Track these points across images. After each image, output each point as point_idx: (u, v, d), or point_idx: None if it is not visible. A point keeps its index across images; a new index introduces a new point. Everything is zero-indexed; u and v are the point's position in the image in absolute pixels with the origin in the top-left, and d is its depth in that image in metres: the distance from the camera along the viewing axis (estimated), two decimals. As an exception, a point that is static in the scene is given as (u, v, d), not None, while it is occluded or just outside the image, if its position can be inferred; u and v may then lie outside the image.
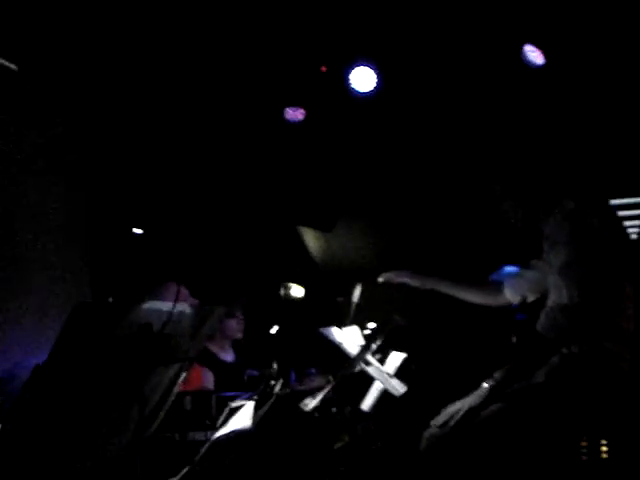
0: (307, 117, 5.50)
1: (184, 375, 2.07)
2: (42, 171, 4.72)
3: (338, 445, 3.44)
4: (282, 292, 6.12)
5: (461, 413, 2.77)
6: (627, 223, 5.20)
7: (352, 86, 5.28)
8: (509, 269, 3.37)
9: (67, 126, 4.94)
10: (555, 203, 2.92)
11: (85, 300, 4.87)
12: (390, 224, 6.19)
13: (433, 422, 2.85)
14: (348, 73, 5.27)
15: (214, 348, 4.66)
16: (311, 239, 6.80)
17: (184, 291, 4.17)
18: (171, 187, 5.68)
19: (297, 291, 6.24)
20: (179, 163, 5.62)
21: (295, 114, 5.49)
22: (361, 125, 5.59)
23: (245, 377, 4.49)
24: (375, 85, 5.26)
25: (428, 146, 5.59)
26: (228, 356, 4.74)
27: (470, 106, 5.22)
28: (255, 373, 4.46)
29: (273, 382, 3.07)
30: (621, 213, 5.18)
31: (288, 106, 5.46)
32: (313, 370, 4.34)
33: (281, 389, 3.01)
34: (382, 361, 3.80)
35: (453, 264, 5.29)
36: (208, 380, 4.16)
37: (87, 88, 4.87)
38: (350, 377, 3.61)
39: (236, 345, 4.83)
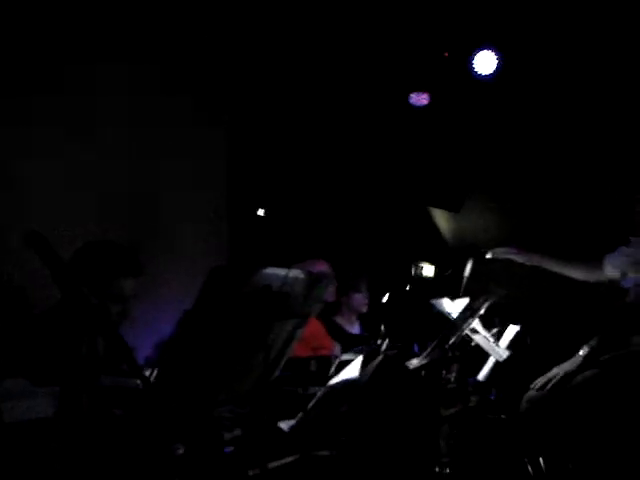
0: (432, 101, 5.71)
1: (300, 331, 2.44)
2: (184, 141, 4.99)
3: (450, 412, 3.68)
4: (414, 271, 6.41)
5: (558, 378, 2.97)
6: None
7: (475, 69, 5.45)
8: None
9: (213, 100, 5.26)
10: None
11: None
12: (517, 205, 6.29)
13: (532, 386, 3.08)
14: (470, 57, 5.45)
15: (341, 321, 5.00)
16: (441, 219, 6.99)
17: (327, 267, 4.56)
18: (308, 169, 6.03)
19: (428, 270, 6.50)
20: (314, 149, 5.96)
21: (419, 99, 5.70)
22: (485, 107, 5.74)
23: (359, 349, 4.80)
24: (496, 68, 5.41)
25: (552, 126, 5.66)
26: (354, 329, 5.07)
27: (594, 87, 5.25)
28: (368, 347, 4.76)
29: (380, 341, 3.37)
30: None
31: (413, 91, 5.69)
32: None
33: (388, 348, 3.29)
34: (499, 333, 4.02)
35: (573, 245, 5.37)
36: (335, 349, 4.52)
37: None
38: (468, 348, 3.85)
39: (362, 318, 5.15)
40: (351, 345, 4.67)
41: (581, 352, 2.98)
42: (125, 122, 4.51)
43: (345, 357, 2.98)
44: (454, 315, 3.57)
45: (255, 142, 5.66)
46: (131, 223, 4.42)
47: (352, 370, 2.72)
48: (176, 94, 4.86)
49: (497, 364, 3.94)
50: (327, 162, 6.06)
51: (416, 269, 6.37)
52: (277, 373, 2.51)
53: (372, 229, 6.49)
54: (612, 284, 3.44)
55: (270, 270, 2.24)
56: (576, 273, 3.52)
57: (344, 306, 5.01)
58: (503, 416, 4.04)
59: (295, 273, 2.30)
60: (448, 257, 6.57)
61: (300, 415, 2.70)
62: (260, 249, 5.64)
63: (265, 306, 2.22)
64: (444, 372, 3.54)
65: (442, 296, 3.87)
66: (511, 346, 3.95)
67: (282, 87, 5.49)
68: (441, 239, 6.97)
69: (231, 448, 2.66)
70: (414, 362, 3.14)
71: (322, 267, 4.55)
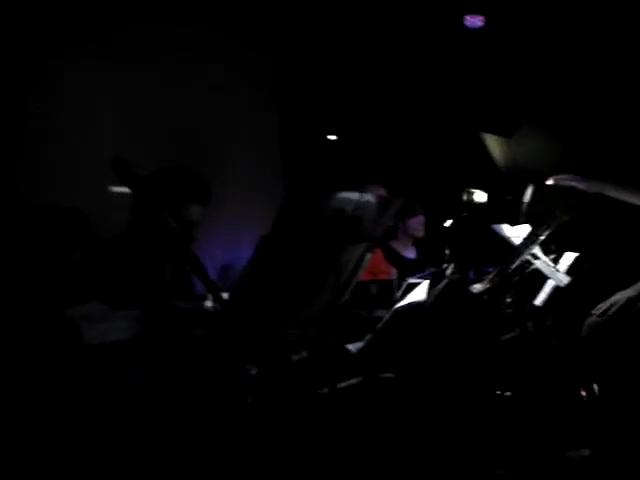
0: (486, 24, 5.60)
1: (369, 255, 2.49)
2: (235, 88, 5.14)
3: (507, 336, 3.73)
4: (465, 197, 6.39)
5: (620, 303, 3.00)
6: None
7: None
8: None
9: (258, 36, 5.32)
10: None
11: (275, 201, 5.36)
12: (572, 129, 6.20)
13: (594, 311, 3.10)
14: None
15: (397, 246, 5.05)
16: (494, 145, 6.92)
17: (385, 192, 4.58)
18: (359, 96, 6.02)
19: (480, 196, 6.47)
20: (364, 74, 5.93)
21: (474, 21, 5.60)
22: (540, 31, 5.61)
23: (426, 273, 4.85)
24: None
25: (606, 53, 5.52)
26: (410, 253, 5.11)
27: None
28: (435, 270, 4.81)
29: (445, 265, 3.41)
30: None
31: (467, 14, 5.59)
32: (491, 269, 4.62)
33: (453, 273, 3.34)
34: (557, 259, 4.02)
35: (627, 169, 5.30)
36: (392, 273, 4.57)
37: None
38: (525, 273, 3.87)
39: (418, 243, 5.19)
40: (407, 270, 4.73)
41: (644, 278, 3.00)
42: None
43: (412, 280, 3.03)
44: (515, 240, 3.58)
45: (305, 69, 5.67)
46: (180, 148, 4.49)
47: (419, 294, 2.77)
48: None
49: (554, 290, 3.96)
50: (378, 86, 6.03)
51: (468, 195, 6.35)
52: (346, 295, 2.58)
53: (425, 155, 6.48)
54: None
55: (344, 194, 2.28)
56: (638, 200, 3.50)
57: (400, 231, 5.04)
58: (556, 341, 4.09)
59: (367, 197, 2.34)
60: (500, 183, 6.55)
61: (368, 337, 2.77)
62: (313, 175, 5.69)
63: (339, 229, 2.27)
64: (504, 297, 3.58)
65: (501, 222, 3.88)
66: (569, 272, 3.96)
67: (332, 11, 5.44)
68: (493, 165, 6.93)
69: (299, 369, 2.75)
70: (477, 287, 3.19)
71: (380, 192, 4.57)
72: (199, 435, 2.39)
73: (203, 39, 4.79)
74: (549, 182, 3.70)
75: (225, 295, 2.23)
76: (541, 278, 3.97)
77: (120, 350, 2.29)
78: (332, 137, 6.12)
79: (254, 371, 2.58)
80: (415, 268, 4.85)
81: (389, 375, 2.88)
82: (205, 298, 2.63)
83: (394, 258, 4.87)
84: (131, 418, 2.29)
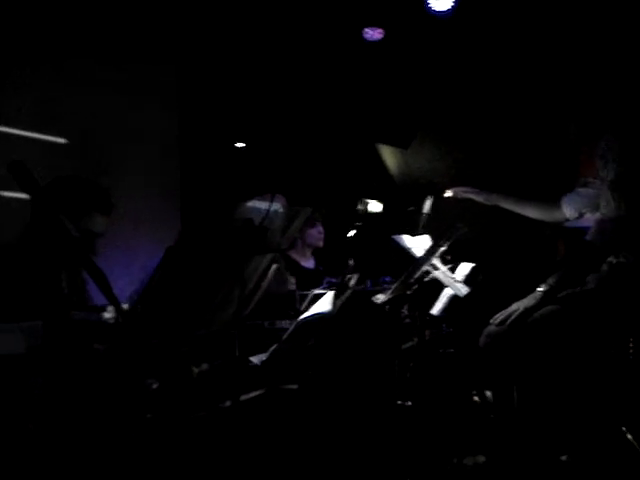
0: (385, 36, 5.67)
1: (276, 266, 2.46)
2: (137, 92, 5.09)
3: (406, 346, 3.77)
4: (360, 207, 6.44)
5: (517, 313, 3.07)
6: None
7: (430, 5, 5.41)
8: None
9: (161, 47, 5.26)
10: (608, 124, 3.13)
11: (175, 211, 5.33)
12: (466, 141, 6.36)
13: (492, 320, 3.16)
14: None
15: (296, 256, 5.04)
16: (389, 156, 7.03)
17: (285, 202, 4.56)
18: (256, 105, 5.99)
19: (375, 206, 6.54)
20: (264, 84, 5.91)
21: (373, 33, 5.67)
22: (439, 43, 5.73)
23: (325, 283, 4.85)
24: (452, 4, 5.38)
25: (504, 64, 5.70)
26: (309, 263, 5.12)
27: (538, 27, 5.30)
28: (334, 280, 4.82)
29: (349, 276, 3.42)
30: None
31: (367, 26, 5.65)
32: (388, 279, 4.67)
33: (356, 284, 3.35)
34: (452, 270, 4.10)
35: (525, 182, 5.48)
36: (292, 284, 4.55)
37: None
38: (422, 283, 3.93)
39: (316, 253, 5.20)
40: (306, 280, 4.73)
41: (540, 288, 3.07)
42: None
43: (317, 291, 3.02)
44: (415, 251, 3.63)
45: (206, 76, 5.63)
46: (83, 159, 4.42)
47: (324, 304, 2.76)
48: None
49: (450, 299, 4.04)
50: (275, 96, 6.03)
51: (363, 205, 6.41)
52: (251, 307, 2.54)
53: (322, 165, 6.51)
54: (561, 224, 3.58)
55: (253, 203, 2.25)
56: (533, 213, 3.61)
57: (299, 241, 5.03)
58: (452, 350, 4.17)
59: (276, 206, 2.31)
60: (395, 194, 6.65)
61: (272, 349, 2.74)
62: (212, 184, 5.63)
63: (246, 240, 2.23)
64: (403, 307, 3.62)
65: (398, 232, 3.92)
66: (466, 282, 4.05)
67: (234, 24, 5.41)
68: (388, 175, 7.03)
69: (201, 382, 2.70)
70: (380, 297, 3.21)
71: (281, 201, 4.54)
72: (98, 450, 2.30)
73: (106, 46, 4.70)
74: (447, 194, 3.77)
75: (126, 306, 2.16)
76: (438, 288, 4.04)
77: (15, 363, 2.18)
78: (239, 145, 6.07)
79: (155, 385, 2.50)
80: (314, 278, 4.87)
81: (293, 386, 2.86)
82: (104, 309, 2.55)
83: (294, 268, 4.85)
84: (28, 432, 2.18)
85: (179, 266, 2.13)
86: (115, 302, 2.03)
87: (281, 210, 2.35)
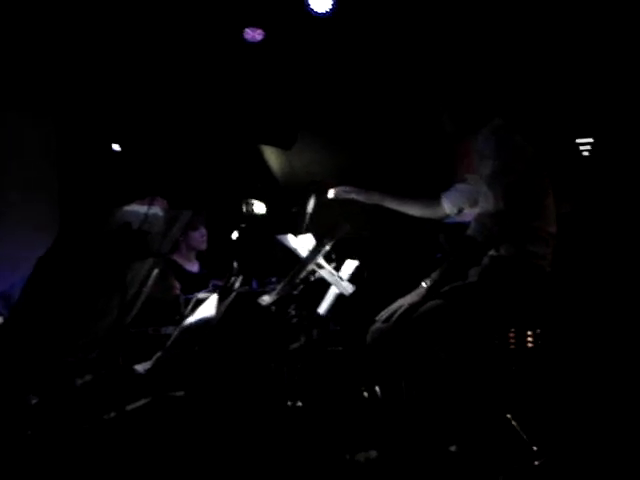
0: (266, 37, 5.65)
1: (157, 271, 2.39)
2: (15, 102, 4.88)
3: (294, 346, 3.76)
4: (244, 208, 6.40)
5: (402, 309, 3.10)
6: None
7: (310, 6, 5.43)
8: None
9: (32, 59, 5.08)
10: (485, 120, 3.22)
11: (55, 216, 5.15)
12: (348, 141, 6.42)
13: (378, 318, 3.19)
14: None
15: (180, 260, 4.95)
16: (272, 157, 7.01)
17: (165, 205, 4.46)
18: (137, 108, 5.87)
19: (259, 207, 6.52)
20: (143, 85, 5.79)
21: (254, 34, 5.64)
22: (319, 44, 5.76)
23: (210, 286, 4.79)
24: (332, 5, 5.42)
25: (384, 65, 5.79)
26: (193, 267, 5.04)
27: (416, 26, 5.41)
28: (220, 283, 4.76)
29: (234, 279, 3.38)
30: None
31: (247, 27, 5.61)
32: (274, 279, 4.65)
33: (241, 286, 3.31)
34: (337, 268, 4.11)
35: (406, 180, 5.59)
36: (177, 288, 4.47)
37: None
38: (308, 283, 3.93)
39: (200, 257, 5.12)
40: (191, 284, 4.65)
41: (424, 284, 3.12)
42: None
43: (201, 295, 2.96)
44: (299, 250, 3.62)
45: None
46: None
47: (208, 309, 2.71)
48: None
49: (336, 298, 4.05)
50: (155, 97, 5.92)
51: (247, 206, 6.37)
52: (133, 314, 2.46)
53: (204, 166, 6.44)
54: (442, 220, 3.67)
55: (130, 207, 2.18)
56: (414, 210, 3.67)
57: (182, 244, 4.95)
58: (340, 348, 4.20)
59: (154, 210, 2.25)
60: (279, 194, 6.65)
61: (156, 356, 2.67)
62: (92, 189, 5.47)
63: (124, 245, 2.16)
64: (289, 307, 3.60)
65: (281, 232, 3.91)
66: (351, 280, 4.07)
67: (107, 21, 5.26)
68: (271, 176, 7.01)
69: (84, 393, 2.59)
70: (266, 299, 3.17)
71: (161, 205, 4.45)
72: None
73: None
74: (330, 194, 3.78)
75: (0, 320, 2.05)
76: (323, 287, 4.06)
77: None
78: (116, 147, 5.90)
79: (34, 400, 2.39)
80: (199, 282, 4.80)
81: (180, 394, 2.79)
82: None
83: (177, 272, 4.76)
84: None
85: (52, 275, 2.03)
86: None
87: (160, 214, 2.28)
